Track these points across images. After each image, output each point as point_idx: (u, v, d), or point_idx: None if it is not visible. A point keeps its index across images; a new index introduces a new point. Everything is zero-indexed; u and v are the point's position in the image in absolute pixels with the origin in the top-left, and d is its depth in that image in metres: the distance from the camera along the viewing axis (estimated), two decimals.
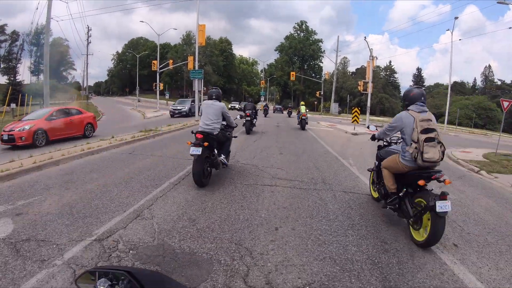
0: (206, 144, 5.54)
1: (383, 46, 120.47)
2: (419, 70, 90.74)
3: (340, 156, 9.74)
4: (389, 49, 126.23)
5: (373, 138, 4.89)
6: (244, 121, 12.95)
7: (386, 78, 77.73)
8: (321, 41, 78.86)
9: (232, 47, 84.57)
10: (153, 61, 36.59)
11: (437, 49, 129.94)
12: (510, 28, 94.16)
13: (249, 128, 12.73)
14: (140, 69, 60.89)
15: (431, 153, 3.64)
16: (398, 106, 71.84)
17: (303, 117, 18.96)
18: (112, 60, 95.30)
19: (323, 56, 77.58)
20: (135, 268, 2.20)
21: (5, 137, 10.16)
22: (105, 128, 15.75)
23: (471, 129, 43.36)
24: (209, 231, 3.85)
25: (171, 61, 38.62)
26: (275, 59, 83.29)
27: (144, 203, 4.78)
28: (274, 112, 46.76)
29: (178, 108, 27.21)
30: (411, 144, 3.76)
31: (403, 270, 3.13)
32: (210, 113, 5.92)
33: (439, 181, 3.73)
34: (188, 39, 74.80)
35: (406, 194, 4.01)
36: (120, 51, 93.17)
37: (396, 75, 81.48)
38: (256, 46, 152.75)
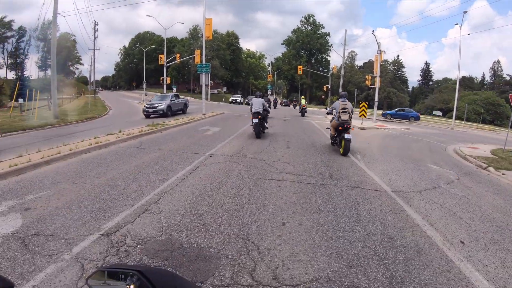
0: (259, 117, 11.22)
1: (391, 40, 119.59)
2: (427, 64, 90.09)
3: None
4: (397, 43, 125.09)
5: (328, 113, 10.04)
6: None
7: (394, 72, 76.94)
8: (328, 34, 78.30)
9: (239, 41, 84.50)
10: (160, 55, 36.37)
11: (445, 43, 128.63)
12: None
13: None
14: (147, 63, 61.08)
15: (343, 116, 8.63)
16: (406, 100, 71.13)
17: (303, 108, 26.16)
18: (119, 54, 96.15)
19: (330, 50, 76.86)
20: (146, 266, 2.23)
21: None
22: (113, 123, 15.83)
23: (480, 124, 42.76)
24: (216, 226, 3.88)
25: (178, 55, 38.53)
26: (282, 53, 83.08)
27: (152, 197, 4.82)
28: (281, 105, 52.92)
29: (154, 106, 19.86)
30: (338, 114, 8.81)
31: (410, 267, 3.11)
32: (258, 103, 11.49)
33: (348, 128, 8.54)
34: (195, 33, 74.54)
35: (338, 135, 9.09)
36: (127, 46, 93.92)
37: (404, 70, 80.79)
38: (263, 39, 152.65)
